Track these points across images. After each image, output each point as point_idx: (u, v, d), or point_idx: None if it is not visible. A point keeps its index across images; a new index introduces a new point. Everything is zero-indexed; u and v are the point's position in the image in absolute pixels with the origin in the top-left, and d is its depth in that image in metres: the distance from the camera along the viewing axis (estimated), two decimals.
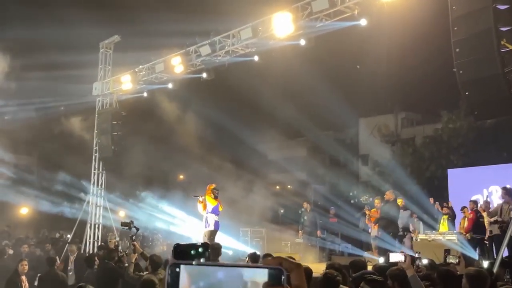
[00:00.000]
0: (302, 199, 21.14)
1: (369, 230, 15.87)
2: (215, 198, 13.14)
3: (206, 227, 12.98)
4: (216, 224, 12.98)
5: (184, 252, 1.19)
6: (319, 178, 33.50)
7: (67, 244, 14.96)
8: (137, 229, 12.39)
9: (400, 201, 15.40)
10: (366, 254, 15.45)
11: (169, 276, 1.09)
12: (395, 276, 5.85)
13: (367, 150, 37.89)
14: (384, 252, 13.69)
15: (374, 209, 15.55)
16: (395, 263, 7.32)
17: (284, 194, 30.91)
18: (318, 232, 17.73)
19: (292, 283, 1.07)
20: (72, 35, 20.78)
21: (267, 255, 1.13)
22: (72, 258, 12.67)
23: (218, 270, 1.09)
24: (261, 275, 1.06)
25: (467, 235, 14.49)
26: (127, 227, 11.47)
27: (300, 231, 18.29)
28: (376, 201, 15.53)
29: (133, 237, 10.02)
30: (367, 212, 15.88)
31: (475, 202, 15.76)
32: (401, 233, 15.15)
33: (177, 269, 1.08)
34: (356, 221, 18.16)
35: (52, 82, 19.57)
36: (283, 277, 1.06)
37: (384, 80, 32.13)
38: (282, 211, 25.18)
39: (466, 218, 15.27)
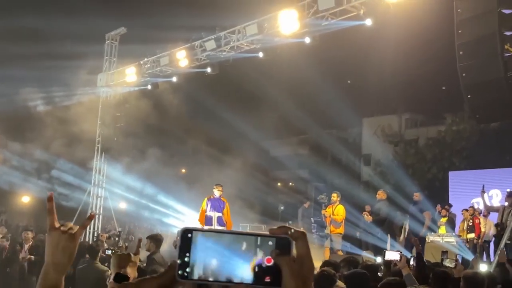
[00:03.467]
0: (303, 197, 21.23)
1: (326, 229, 15.34)
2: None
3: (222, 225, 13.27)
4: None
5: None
6: (320, 176, 33.54)
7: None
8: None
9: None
10: (365, 253, 15.50)
11: (181, 242, 1.10)
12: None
13: (370, 150, 37.88)
14: (376, 250, 13.82)
15: (330, 205, 15.05)
16: (389, 261, 7.42)
17: (285, 191, 30.97)
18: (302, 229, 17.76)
19: (298, 251, 1.10)
20: (79, 25, 20.86)
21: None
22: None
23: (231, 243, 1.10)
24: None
25: (479, 240, 14.61)
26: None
27: (302, 228, 18.29)
28: (334, 195, 15.11)
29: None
30: (322, 212, 15.46)
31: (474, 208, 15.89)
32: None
33: (189, 235, 1.09)
34: (355, 220, 18.18)
35: (57, 71, 19.64)
36: (291, 245, 1.09)
37: (389, 80, 32.07)
38: (282, 207, 25.26)
39: (465, 222, 15.36)
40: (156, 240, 8.81)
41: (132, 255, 3.17)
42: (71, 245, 1.69)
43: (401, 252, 7.68)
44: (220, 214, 13.23)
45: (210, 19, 16.68)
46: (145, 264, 8.55)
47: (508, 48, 9.95)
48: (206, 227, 1.14)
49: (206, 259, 1.08)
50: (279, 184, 37.26)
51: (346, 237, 18.84)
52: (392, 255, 7.35)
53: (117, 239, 14.51)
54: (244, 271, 1.08)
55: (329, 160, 37.36)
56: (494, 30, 10.02)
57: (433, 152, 29.69)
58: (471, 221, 15.10)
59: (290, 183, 37.11)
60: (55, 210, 1.69)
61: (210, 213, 13.21)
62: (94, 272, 8.51)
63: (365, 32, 13.49)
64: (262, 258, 1.08)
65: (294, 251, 1.10)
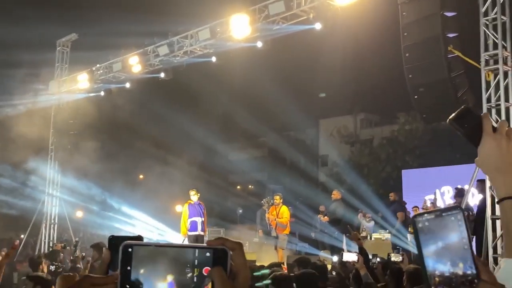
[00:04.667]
0: (260, 199, 21.33)
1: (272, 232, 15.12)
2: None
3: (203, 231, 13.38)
4: None
5: (119, 244, 1.28)
6: (279, 178, 33.80)
7: None
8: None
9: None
10: (322, 253, 15.73)
11: (122, 256, 1.12)
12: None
13: (327, 151, 38.39)
14: (333, 249, 14.05)
15: (273, 206, 14.95)
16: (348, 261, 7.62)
17: (243, 194, 31.04)
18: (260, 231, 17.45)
19: (235, 261, 1.14)
20: (29, 32, 20.45)
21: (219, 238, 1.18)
22: None
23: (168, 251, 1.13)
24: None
25: None
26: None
27: (260, 230, 18.30)
28: (276, 197, 15.02)
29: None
30: (267, 215, 15.20)
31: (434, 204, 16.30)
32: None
33: (129, 250, 1.12)
34: (312, 221, 18.42)
35: (7, 79, 19.21)
36: (228, 255, 1.12)
37: (343, 82, 32.64)
38: (240, 210, 25.37)
39: None
40: (98, 248, 8.96)
41: (78, 275, 3.18)
42: None
43: (358, 253, 7.89)
44: (202, 219, 13.30)
45: (162, 24, 16.62)
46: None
47: (451, 50, 10.31)
48: (145, 242, 1.19)
49: (146, 272, 1.12)
50: (238, 187, 37.35)
51: (303, 238, 19.09)
52: (350, 256, 7.55)
53: (74, 248, 14.31)
54: (183, 283, 1.11)
55: (287, 162, 37.67)
56: (438, 33, 10.37)
57: (387, 151, 30.32)
58: None
59: (250, 186, 37.27)
60: None
61: (194, 218, 13.22)
62: None
63: (318, 36, 13.70)
64: (201, 269, 1.11)
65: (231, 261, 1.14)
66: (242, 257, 1.16)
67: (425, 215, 1.23)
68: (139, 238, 1.30)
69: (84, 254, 13.22)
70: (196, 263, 1.12)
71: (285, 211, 14.76)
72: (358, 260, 6.94)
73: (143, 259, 1.12)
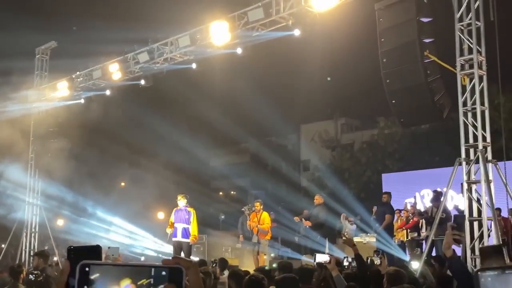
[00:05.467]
0: (242, 205, 21.37)
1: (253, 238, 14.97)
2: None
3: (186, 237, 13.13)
4: None
5: (78, 254, 1.29)
6: (261, 184, 33.88)
7: None
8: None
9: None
10: (304, 258, 15.79)
11: (79, 276, 1.15)
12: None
13: (308, 156, 38.58)
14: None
15: (254, 212, 14.87)
16: (322, 263, 7.69)
17: (225, 200, 31.04)
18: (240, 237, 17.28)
19: (190, 278, 1.20)
20: (7, 40, 20.25)
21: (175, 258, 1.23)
22: None
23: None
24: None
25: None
26: None
27: (241, 235, 18.29)
28: (257, 204, 14.94)
29: None
30: (248, 223, 15.05)
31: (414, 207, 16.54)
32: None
33: (87, 269, 1.16)
34: (294, 226, 18.50)
35: None
36: (183, 274, 1.17)
37: (324, 87, 32.89)
38: (223, 216, 25.39)
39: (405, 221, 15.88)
40: (44, 256, 8.94)
41: None
42: None
43: (330, 254, 7.96)
44: (186, 226, 12.91)
45: (142, 31, 16.61)
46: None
47: (427, 55, 10.49)
48: (102, 261, 1.24)
49: None
50: (220, 193, 37.35)
51: (285, 243, 19.16)
52: (322, 257, 7.62)
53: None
54: None
55: (269, 168, 37.78)
56: (414, 38, 10.54)
57: (367, 155, 30.56)
58: (412, 220, 15.67)
59: (232, 192, 37.29)
60: None
61: (176, 224, 13.04)
62: None
63: (297, 42, 13.83)
64: (156, 287, 1.16)
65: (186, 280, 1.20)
66: (196, 275, 1.24)
67: (489, 271, 1.28)
68: (98, 248, 1.34)
69: (63, 259, 13.12)
70: (152, 281, 1.17)
71: (266, 217, 14.74)
72: (330, 261, 6.97)
73: (100, 278, 1.16)
